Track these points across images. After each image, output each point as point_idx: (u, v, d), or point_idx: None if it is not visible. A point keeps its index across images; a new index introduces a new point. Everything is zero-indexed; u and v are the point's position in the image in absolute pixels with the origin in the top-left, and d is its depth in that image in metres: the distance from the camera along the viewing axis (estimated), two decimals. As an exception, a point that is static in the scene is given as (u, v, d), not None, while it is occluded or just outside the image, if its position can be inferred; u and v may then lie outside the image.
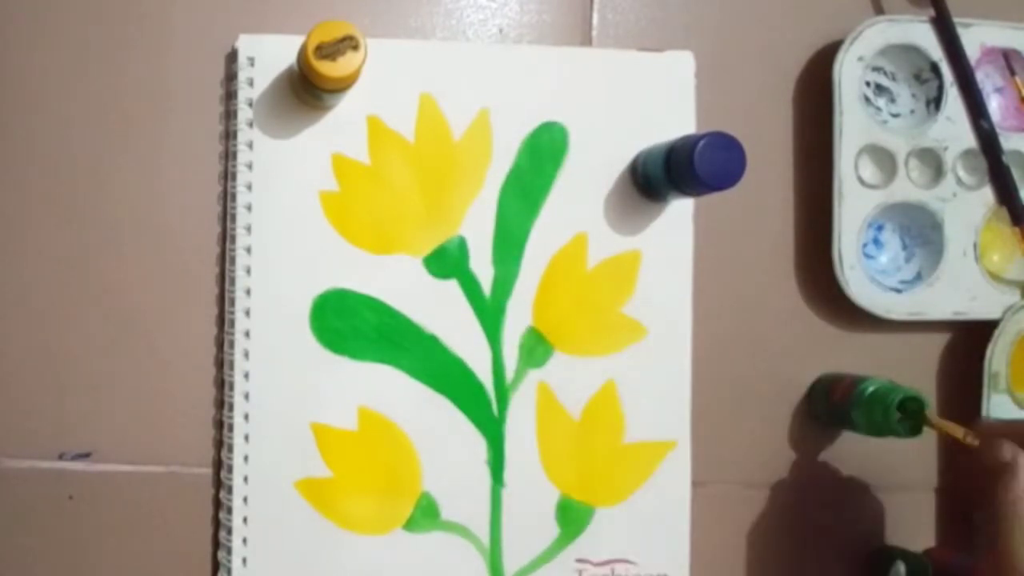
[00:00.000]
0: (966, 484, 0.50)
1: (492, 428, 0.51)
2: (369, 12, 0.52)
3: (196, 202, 0.50)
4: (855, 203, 0.53)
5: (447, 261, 0.51)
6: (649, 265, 0.52)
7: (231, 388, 0.49)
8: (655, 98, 0.52)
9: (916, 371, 0.56)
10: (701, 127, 0.52)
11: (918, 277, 0.55)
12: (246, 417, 0.49)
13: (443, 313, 0.50)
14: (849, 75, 0.53)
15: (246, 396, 0.49)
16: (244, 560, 0.48)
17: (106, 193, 0.49)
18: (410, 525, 0.50)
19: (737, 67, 0.55)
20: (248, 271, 0.49)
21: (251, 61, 0.49)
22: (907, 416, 0.49)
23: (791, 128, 0.55)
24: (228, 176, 0.50)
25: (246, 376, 0.49)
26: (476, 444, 0.51)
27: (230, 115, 0.50)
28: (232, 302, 0.49)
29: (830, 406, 0.53)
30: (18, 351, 0.49)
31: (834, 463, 0.55)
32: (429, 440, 0.50)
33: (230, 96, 0.50)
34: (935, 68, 0.54)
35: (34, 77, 0.49)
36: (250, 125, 0.49)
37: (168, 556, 0.49)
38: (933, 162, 0.55)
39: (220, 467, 0.49)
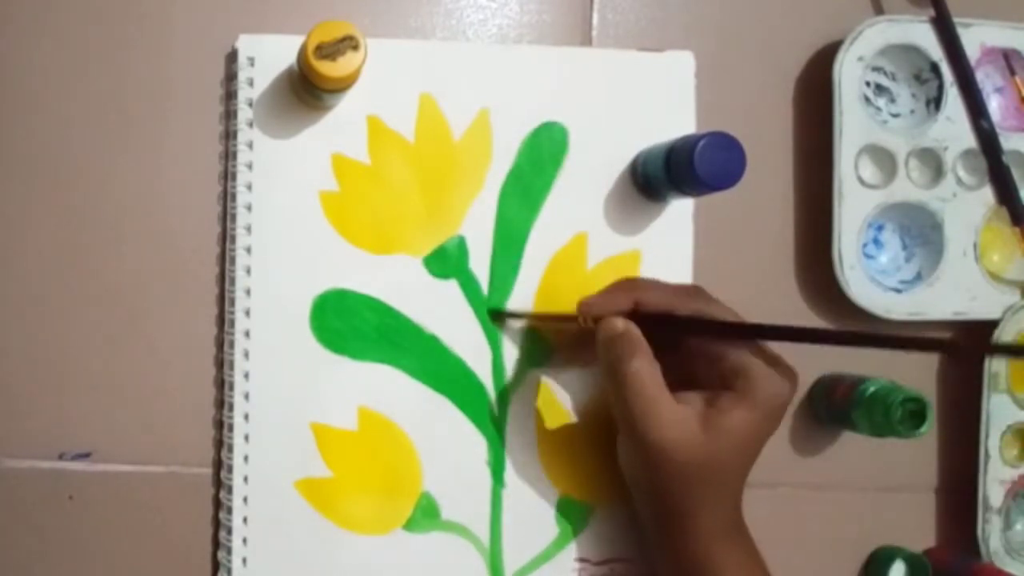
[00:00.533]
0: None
1: (492, 428, 0.51)
2: (369, 12, 0.52)
3: (196, 202, 0.50)
4: (855, 203, 0.53)
5: (447, 261, 0.51)
6: (649, 265, 0.52)
7: (231, 388, 0.49)
8: (655, 98, 0.52)
9: (916, 371, 0.56)
10: (701, 127, 0.52)
11: (918, 277, 0.55)
12: (246, 417, 0.49)
13: (443, 313, 0.50)
14: (849, 75, 0.53)
15: (246, 396, 0.49)
16: (244, 560, 0.48)
17: (106, 193, 0.49)
18: (410, 525, 0.50)
19: (737, 67, 0.55)
20: (248, 271, 0.49)
21: (251, 61, 0.49)
22: (908, 417, 0.49)
23: (791, 128, 0.55)
24: (228, 176, 0.50)
25: (246, 376, 0.49)
26: (476, 444, 0.51)
27: (230, 115, 0.50)
28: (232, 302, 0.49)
29: (831, 406, 0.53)
30: (18, 351, 0.49)
31: (834, 463, 0.55)
32: (429, 440, 0.50)
33: (230, 96, 0.50)
34: (935, 68, 0.54)
35: (34, 77, 0.49)
36: (250, 125, 0.49)
37: (168, 556, 0.49)
38: (933, 162, 0.55)
39: (220, 467, 0.49)
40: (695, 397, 0.43)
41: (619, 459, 0.46)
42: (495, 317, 0.51)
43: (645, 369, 0.42)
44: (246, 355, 0.49)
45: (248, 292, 0.49)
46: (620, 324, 0.43)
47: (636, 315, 0.44)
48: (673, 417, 0.41)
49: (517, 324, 0.51)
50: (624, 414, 0.43)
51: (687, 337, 0.44)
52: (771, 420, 0.43)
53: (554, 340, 0.51)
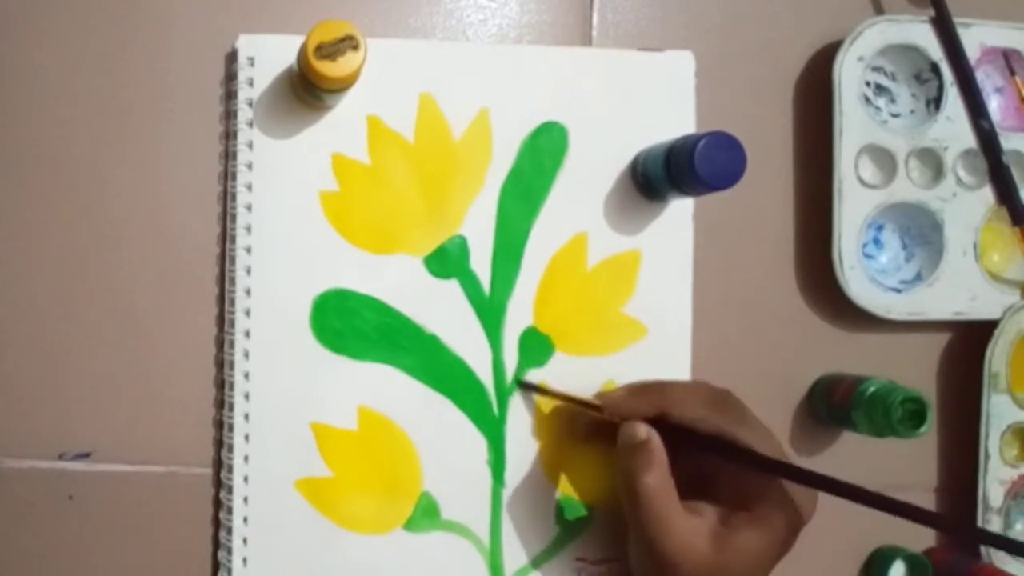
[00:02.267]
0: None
1: (492, 428, 0.51)
2: (369, 12, 0.52)
3: (196, 202, 0.50)
4: (855, 203, 0.53)
5: (447, 261, 0.51)
6: (649, 265, 0.52)
7: (231, 388, 0.49)
8: (655, 98, 0.52)
9: (916, 371, 0.56)
10: (701, 127, 0.52)
11: (918, 277, 0.55)
12: (246, 417, 0.49)
13: (443, 313, 0.50)
14: (849, 75, 0.53)
15: (246, 396, 0.49)
16: (244, 560, 0.48)
17: (106, 193, 0.49)
18: (410, 525, 0.50)
19: (737, 67, 0.55)
20: (248, 271, 0.49)
21: (251, 61, 0.49)
22: (908, 417, 0.49)
23: (791, 128, 0.55)
24: (228, 176, 0.50)
25: (246, 376, 0.49)
26: (476, 444, 0.51)
27: (230, 115, 0.50)
28: (232, 302, 0.49)
29: (831, 407, 0.53)
30: (18, 351, 0.49)
31: (835, 463, 0.55)
32: (429, 440, 0.50)
33: (230, 96, 0.50)
34: (935, 68, 0.54)
35: (34, 77, 0.49)
36: (250, 125, 0.49)
37: (168, 556, 0.49)
38: (933, 162, 0.55)
39: (220, 467, 0.49)
40: (709, 510, 0.42)
41: (629, 556, 0.45)
42: (523, 387, 0.51)
43: (660, 485, 0.41)
44: (246, 355, 0.49)
45: (248, 292, 0.49)
46: (642, 432, 0.43)
47: (660, 422, 0.43)
48: (684, 531, 0.41)
49: (540, 396, 0.51)
50: (635, 521, 0.42)
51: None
52: (784, 545, 0.42)
53: (554, 340, 0.51)
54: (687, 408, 0.43)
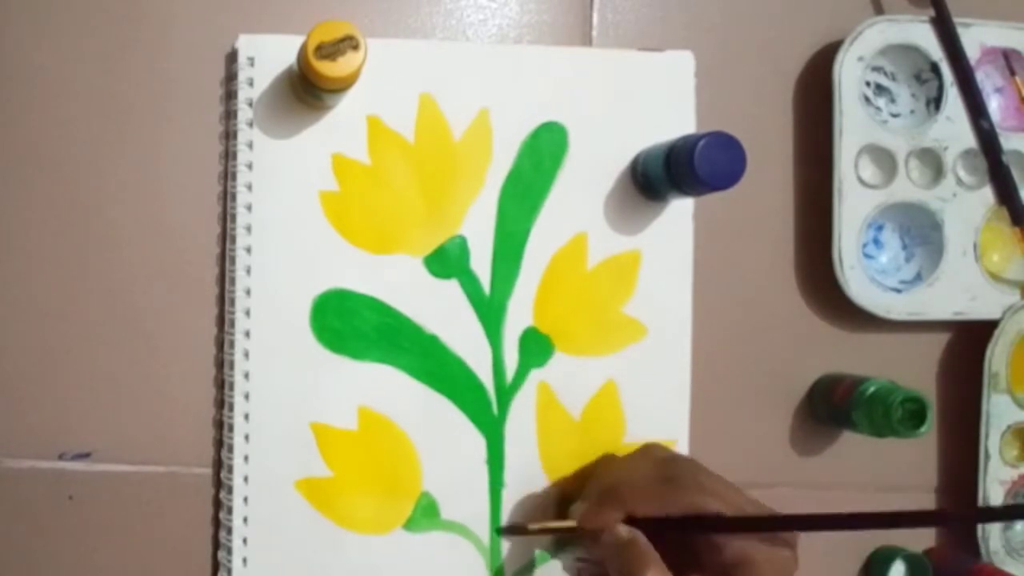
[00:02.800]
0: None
1: (492, 428, 0.51)
2: (369, 12, 0.52)
3: (196, 202, 0.50)
4: (855, 203, 0.53)
5: (447, 261, 0.51)
6: (649, 265, 0.52)
7: (231, 388, 0.49)
8: (655, 98, 0.52)
9: (916, 371, 0.56)
10: (701, 127, 0.52)
11: (918, 277, 0.55)
12: (246, 417, 0.49)
13: (443, 313, 0.50)
14: (849, 75, 0.53)
15: (246, 396, 0.49)
16: (244, 560, 0.48)
17: (106, 193, 0.49)
18: (410, 525, 0.50)
19: (737, 67, 0.55)
20: (248, 271, 0.49)
21: (251, 61, 0.49)
22: (908, 417, 0.49)
23: (791, 128, 0.55)
24: (228, 176, 0.50)
25: (246, 376, 0.49)
26: (476, 444, 0.51)
27: (230, 115, 0.50)
28: (232, 302, 0.49)
29: (831, 407, 0.53)
30: (18, 351, 0.49)
31: (835, 463, 0.55)
32: (429, 440, 0.50)
33: (230, 96, 0.50)
34: (935, 68, 0.54)
35: (34, 77, 0.49)
36: (250, 125, 0.49)
37: (168, 556, 0.49)
38: (933, 162, 0.55)
39: (220, 467, 0.49)
40: None
41: None
42: (506, 532, 0.50)
43: None
44: (246, 355, 0.49)
45: (248, 292, 0.49)
46: (624, 533, 0.43)
47: (634, 521, 0.43)
48: None
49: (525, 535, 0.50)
50: None
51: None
52: None
53: (554, 340, 0.51)
54: (648, 504, 0.43)
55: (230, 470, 0.49)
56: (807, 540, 0.55)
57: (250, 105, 0.49)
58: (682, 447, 0.52)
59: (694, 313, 0.52)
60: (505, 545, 0.51)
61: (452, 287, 0.51)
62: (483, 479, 0.51)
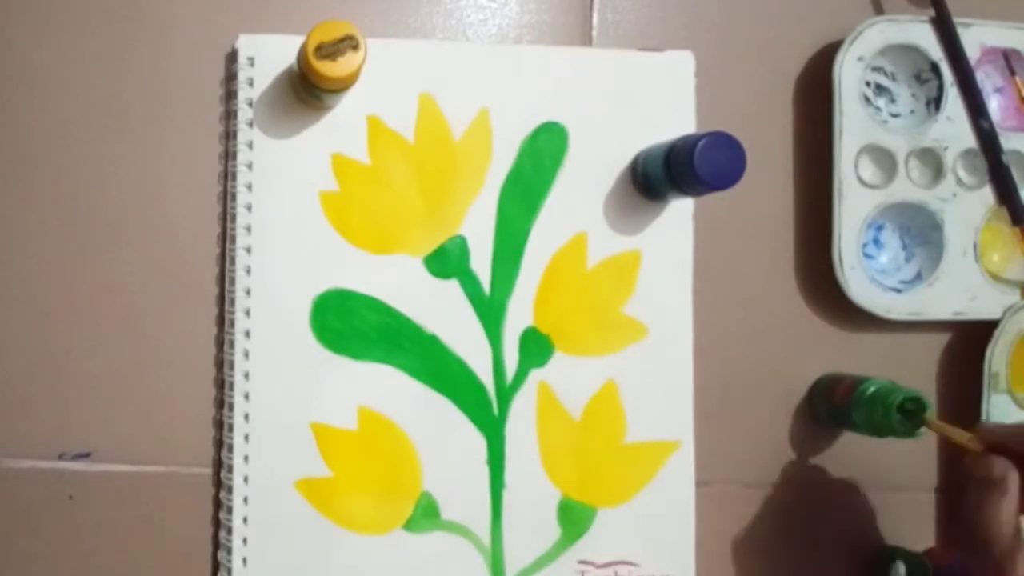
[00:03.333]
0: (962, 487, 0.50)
1: (492, 428, 0.51)
2: (369, 12, 0.52)
3: (196, 202, 0.50)
4: (855, 203, 0.53)
5: (447, 261, 0.51)
6: (649, 265, 0.52)
7: (231, 388, 0.49)
8: (655, 98, 0.52)
9: (916, 371, 0.56)
10: (701, 127, 0.53)
11: (918, 277, 0.55)
12: (246, 417, 0.49)
13: (443, 313, 0.50)
14: (849, 75, 0.53)
15: (246, 396, 0.49)
16: (244, 560, 0.48)
17: (106, 193, 0.49)
18: (410, 525, 0.50)
19: (737, 67, 0.55)
20: (248, 271, 0.49)
21: (251, 61, 0.49)
22: (908, 417, 0.49)
23: (791, 128, 0.55)
24: (228, 176, 0.50)
25: (246, 376, 0.49)
26: (476, 444, 0.51)
27: (230, 115, 0.50)
28: (232, 302, 0.49)
29: (831, 407, 0.53)
30: (18, 351, 0.49)
31: (835, 463, 0.55)
32: (429, 440, 0.50)
33: (230, 96, 0.50)
34: (935, 68, 0.54)
35: (34, 77, 0.49)
36: (250, 125, 0.49)
37: (168, 556, 0.49)
38: (933, 162, 0.55)
39: (220, 467, 0.49)
40: None
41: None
42: (917, 420, 0.49)
43: (1011, 522, 0.42)
44: (246, 355, 0.49)
45: (248, 292, 0.49)
46: (1000, 468, 0.43)
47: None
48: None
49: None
50: (981, 552, 0.43)
51: None
52: None
53: (555, 340, 0.51)
54: None
55: (230, 470, 0.49)
56: (808, 540, 0.55)
57: (250, 105, 0.49)
58: (687, 447, 0.52)
59: (694, 313, 0.52)
60: (506, 546, 0.51)
61: (452, 287, 0.51)
62: (483, 479, 0.51)
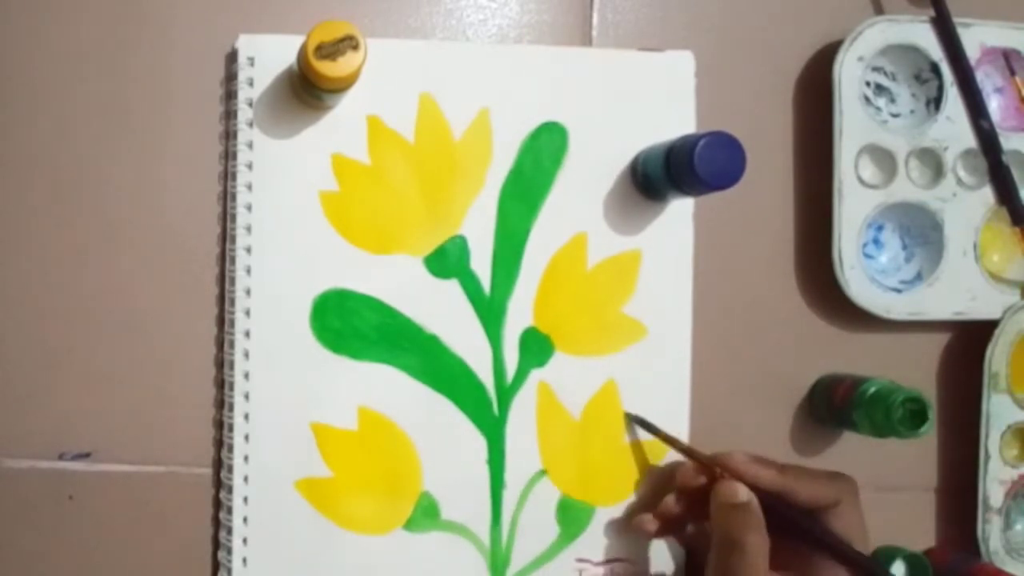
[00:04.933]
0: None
1: (492, 428, 0.51)
2: (369, 12, 0.52)
3: (196, 202, 0.50)
4: (855, 203, 0.53)
5: (447, 261, 0.51)
6: (649, 265, 0.52)
7: (231, 388, 0.49)
8: (655, 98, 0.52)
9: (916, 371, 0.56)
10: (701, 127, 0.52)
11: (918, 277, 0.55)
12: (246, 417, 0.49)
13: (443, 313, 0.50)
14: (849, 75, 0.53)
15: (246, 396, 0.49)
16: (244, 560, 0.48)
17: (106, 193, 0.49)
18: (410, 525, 0.50)
19: (737, 67, 0.55)
20: (248, 271, 0.49)
21: (251, 61, 0.49)
22: (909, 417, 0.49)
23: (791, 128, 0.55)
24: (228, 176, 0.50)
25: (246, 376, 0.49)
26: (476, 444, 0.51)
27: (230, 115, 0.50)
28: (232, 302, 0.49)
29: (831, 407, 0.53)
30: (18, 351, 0.49)
31: (835, 463, 0.55)
32: (429, 440, 0.50)
33: (230, 96, 0.50)
34: (935, 68, 0.54)
35: (34, 77, 0.49)
36: (250, 125, 0.49)
37: (168, 556, 0.49)
38: (933, 162, 0.55)
39: (220, 467, 0.49)
40: None
41: None
42: (635, 419, 0.51)
43: (762, 546, 0.43)
44: (246, 355, 0.49)
45: (248, 292, 0.49)
46: (744, 494, 0.44)
47: (756, 491, 0.45)
48: None
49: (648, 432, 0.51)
50: (727, 572, 0.43)
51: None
52: None
53: (555, 340, 0.51)
54: (811, 488, 0.45)
55: (230, 470, 0.49)
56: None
57: (250, 105, 0.49)
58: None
59: (694, 313, 0.52)
60: (506, 546, 0.51)
61: (452, 287, 0.51)
62: (483, 479, 0.51)
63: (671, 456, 0.52)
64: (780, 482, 0.45)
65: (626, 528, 0.51)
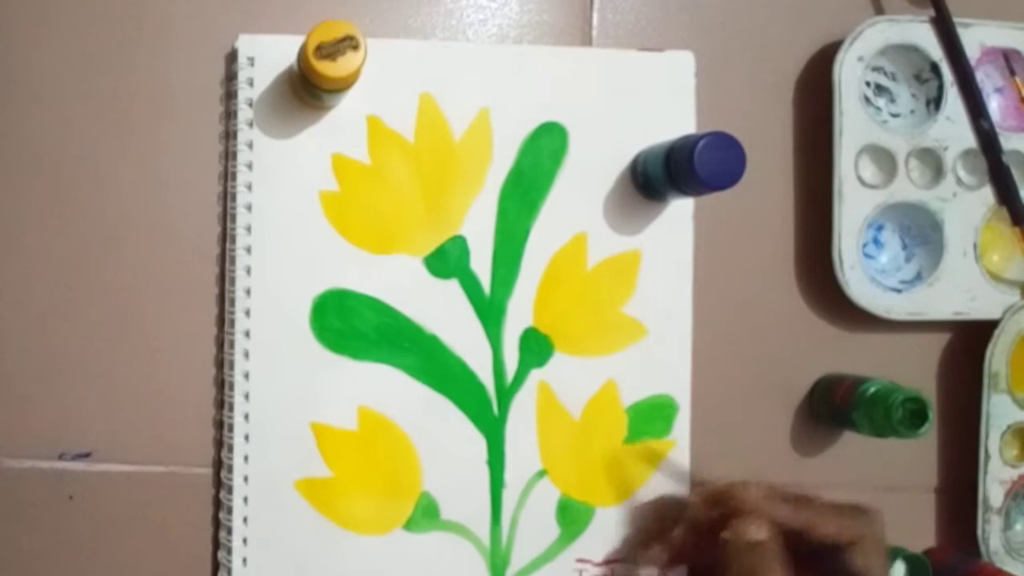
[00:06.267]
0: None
1: (492, 428, 0.51)
2: (369, 12, 0.52)
3: (196, 202, 0.50)
4: (855, 203, 0.53)
5: (447, 261, 0.51)
6: (649, 265, 0.52)
7: (231, 388, 0.49)
8: (655, 98, 0.52)
9: (916, 371, 0.56)
10: (701, 127, 0.52)
11: (918, 277, 0.55)
12: (246, 417, 0.49)
13: (443, 313, 0.50)
14: (849, 75, 0.53)
15: (246, 396, 0.49)
16: (244, 560, 0.48)
17: (106, 193, 0.49)
18: (410, 525, 0.50)
19: (737, 67, 0.55)
20: (248, 271, 0.49)
21: (251, 61, 0.49)
22: (909, 417, 0.49)
23: (791, 128, 0.55)
24: (228, 176, 0.50)
25: (246, 376, 0.49)
26: (476, 444, 0.51)
27: (230, 115, 0.50)
28: (232, 302, 0.49)
29: (831, 407, 0.53)
30: (18, 351, 0.49)
31: (835, 463, 0.55)
32: (429, 440, 0.50)
33: (230, 96, 0.50)
34: (935, 68, 0.54)
35: (34, 77, 0.49)
36: (250, 125, 0.49)
37: (168, 556, 0.49)
38: (933, 162, 0.55)
39: (220, 467, 0.49)
40: None
41: None
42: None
43: None
44: (246, 355, 0.49)
45: (248, 292, 0.49)
46: (763, 532, 0.41)
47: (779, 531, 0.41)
48: None
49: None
50: None
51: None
52: None
53: (554, 340, 0.51)
54: (833, 524, 0.41)
55: (230, 470, 0.49)
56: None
57: (250, 105, 0.49)
58: (683, 447, 0.52)
59: (694, 313, 0.52)
60: (506, 546, 0.51)
61: (452, 287, 0.51)
62: (483, 479, 0.51)
63: (671, 456, 0.52)
64: (800, 519, 0.41)
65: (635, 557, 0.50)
